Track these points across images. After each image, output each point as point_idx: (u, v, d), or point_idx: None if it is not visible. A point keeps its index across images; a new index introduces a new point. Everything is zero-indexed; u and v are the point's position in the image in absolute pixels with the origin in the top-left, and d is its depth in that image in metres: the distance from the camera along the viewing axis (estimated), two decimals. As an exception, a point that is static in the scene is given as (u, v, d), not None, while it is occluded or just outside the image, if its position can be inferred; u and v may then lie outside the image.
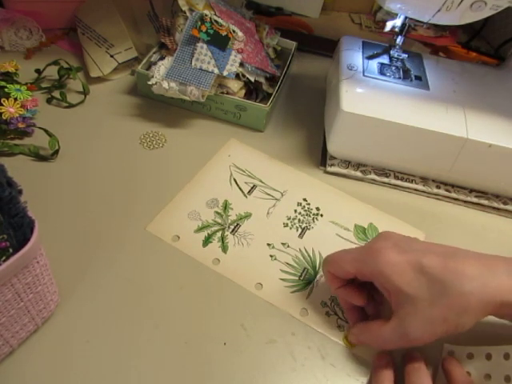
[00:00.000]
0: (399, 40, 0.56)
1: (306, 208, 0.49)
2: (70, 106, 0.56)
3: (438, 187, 0.53)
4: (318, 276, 0.43)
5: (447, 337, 0.33)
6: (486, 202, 0.52)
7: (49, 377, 0.33)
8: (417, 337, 0.32)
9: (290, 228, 0.47)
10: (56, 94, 0.56)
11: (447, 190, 0.53)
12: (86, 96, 0.57)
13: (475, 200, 0.53)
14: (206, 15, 0.54)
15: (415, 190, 0.53)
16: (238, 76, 0.56)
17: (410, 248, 0.34)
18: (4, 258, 0.28)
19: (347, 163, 0.54)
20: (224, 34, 0.55)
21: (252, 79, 0.57)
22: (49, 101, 0.56)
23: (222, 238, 0.44)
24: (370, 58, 0.57)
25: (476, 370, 0.34)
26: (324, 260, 0.38)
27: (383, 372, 0.34)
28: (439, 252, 0.33)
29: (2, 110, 0.49)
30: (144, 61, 0.58)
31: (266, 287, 0.41)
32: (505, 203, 0.52)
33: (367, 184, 0.54)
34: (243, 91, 0.58)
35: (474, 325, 0.32)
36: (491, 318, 0.34)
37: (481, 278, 0.31)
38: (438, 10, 0.48)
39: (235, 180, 0.50)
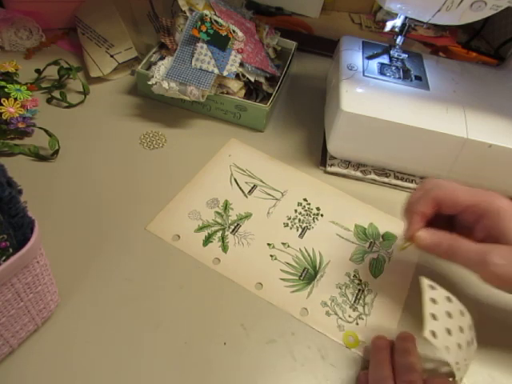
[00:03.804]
0: (399, 40, 0.56)
1: (307, 208, 0.49)
2: (70, 106, 0.56)
3: (438, 187, 0.53)
4: (318, 276, 0.43)
5: None
6: (486, 202, 0.52)
7: (49, 377, 0.33)
8: (495, 262, 0.33)
9: (291, 228, 0.47)
10: (56, 94, 0.56)
11: (447, 190, 0.53)
12: (85, 96, 0.57)
13: (475, 200, 0.52)
14: (206, 15, 0.54)
15: (415, 190, 0.53)
16: (237, 76, 0.56)
17: None
18: (4, 257, 0.28)
19: (347, 163, 0.54)
20: (224, 33, 0.55)
21: (252, 79, 0.57)
22: (49, 101, 0.56)
23: (223, 238, 0.44)
24: (370, 58, 0.57)
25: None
26: (428, 180, 0.39)
27: (382, 353, 0.35)
28: None
29: (2, 110, 0.49)
30: (144, 61, 0.58)
31: (266, 287, 0.41)
32: (505, 203, 0.52)
33: (367, 184, 0.54)
34: (243, 91, 0.58)
35: None
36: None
37: None
38: (438, 10, 0.48)
39: (235, 180, 0.50)
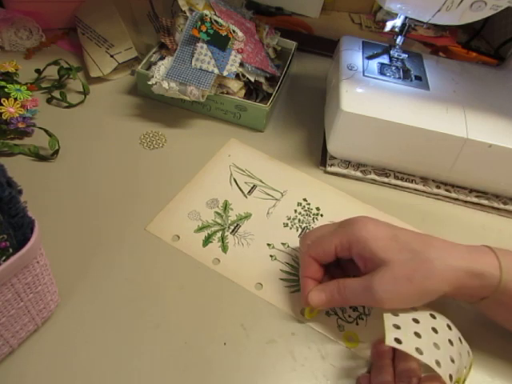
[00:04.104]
0: (399, 40, 0.56)
1: (306, 208, 0.49)
2: (70, 106, 0.56)
3: (437, 187, 0.53)
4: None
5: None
6: (485, 202, 0.52)
7: (49, 377, 0.33)
8: (381, 292, 0.34)
9: (290, 228, 0.47)
10: (56, 94, 0.56)
11: (447, 190, 0.53)
12: (85, 96, 0.57)
13: (475, 200, 0.53)
14: (206, 15, 0.54)
15: (415, 189, 0.53)
16: (237, 76, 0.56)
17: (387, 225, 0.37)
18: (4, 257, 0.28)
19: (347, 163, 0.54)
20: (224, 34, 0.55)
21: (252, 79, 0.57)
22: (49, 101, 0.56)
23: (222, 238, 0.44)
24: (370, 58, 0.57)
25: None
26: (303, 239, 0.40)
27: (383, 358, 0.35)
28: (411, 231, 0.37)
29: (2, 110, 0.49)
30: (144, 61, 0.58)
31: (266, 287, 0.41)
32: (505, 203, 0.52)
33: (367, 184, 0.54)
34: (243, 91, 0.58)
35: (438, 296, 0.34)
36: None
37: (445, 250, 0.35)
38: (438, 10, 0.48)
39: (235, 180, 0.50)
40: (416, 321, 0.34)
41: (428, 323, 0.34)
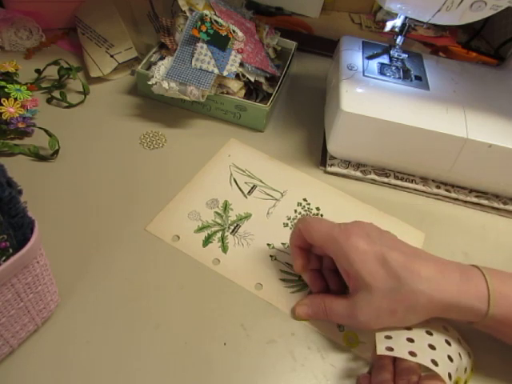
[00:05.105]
0: (399, 40, 0.56)
1: (306, 208, 0.49)
2: (70, 105, 0.56)
3: (437, 187, 0.53)
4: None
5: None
6: (485, 202, 0.52)
7: (49, 377, 0.33)
8: (364, 321, 0.35)
9: (290, 228, 0.47)
10: (56, 94, 0.56)
11: (447, 190, 0.53)
12: (85, 96, 0.57)
13: (475, 200, 0.53)
14: (206, 15, 0.54)
15: (415, 190, 0.53)
16: (237, 76, 0.56)
17: (380, 241, 0.36)
18: (4, 258, 0.28)
19: (347, 163, 0.54)
20: (224, 34, 0.55)
21: (252, 79, 0.57)
22: (49, 101, 0.56)
23: (222, 239, 0.44)
24: (370, 58, 0.57)
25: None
26: (301, 220, 0.39)
27: (384, 358, 0.36)
28: (403, 250, 0.35)
29: (2, 110, 0.49)
30: (144, 61, 0.58)
31: (266, 287, 0.41)
32: (505, 203, 0.52)
33: (367, 184, 0.54)
34: (243, 91, 0.58)
35: (419, 321, 0.35)
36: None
37: (433, 281, 0.33)
38: (438, 10, 0.48)
39: (235, 180, 0.50)
40: (409, 328, 0.35)
41: (421, 329, 0.35)
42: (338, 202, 0.50)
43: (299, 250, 0.40)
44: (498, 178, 0.51)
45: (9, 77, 0.54)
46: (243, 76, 0.57)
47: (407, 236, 0.39)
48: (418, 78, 0.55)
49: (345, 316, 0.36)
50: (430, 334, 0.34)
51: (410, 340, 0.33)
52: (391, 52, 0.57)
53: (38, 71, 0.59)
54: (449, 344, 0.34)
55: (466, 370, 0.35)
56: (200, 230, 0.45)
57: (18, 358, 0.34)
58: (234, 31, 0.55)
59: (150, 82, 0.53)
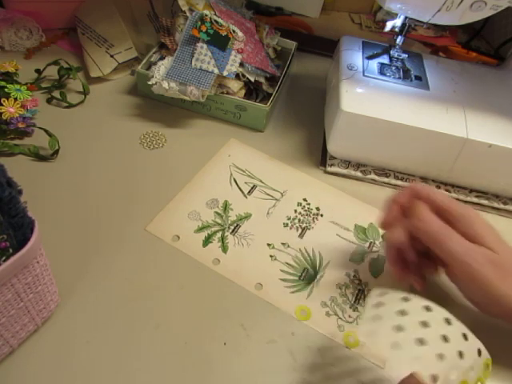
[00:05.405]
0: (399, 40, 0.56)
1: (306, 208, 0.49)
2: (70, 105, 0.56)
3: (437, 187, 0.53)
4: (318, 276, 0.43)
5: None
6: (485, 202, 0.52)
7: (49, 377, 0.33)
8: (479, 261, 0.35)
9: (290, 228, 0.47)
10: (56, 94, 0.56)
11: (447, 190, 0.53)
12: (85, 96, 0.57)
13: (475, 200, 0.53)
14: (206, 15, 0.54)
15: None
16: (237, 76, 0.56)
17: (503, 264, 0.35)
18: (4, 258, 0.28)
19: (347, 163, 0.54)
20: (224, 34, 0.55)
21: (252, 79, 0.57)
22: (49, 101, 0.56)
23: (222, 239, 0.44)
24: (370, 58, 0.57)
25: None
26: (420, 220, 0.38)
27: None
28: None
29: (2, 110, 0.49)
30: (144, 61, 0.58)
31: (266, 287, 0.41)
32: (505, 203, 0.52)
33: (367, 184, 0.54)
34: (243, 91, 0.58)
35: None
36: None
37: None
38: (438, 10, 0.48)
39: (235, 180, 0.50)
40: (402, 313, 0.32)
41: (417, 316, 0.32)
42: (338, 202, 0.50)
43: (396, 205, 0.39)
44: (498, 178, 0.51)
45: (9, 77, 0.54)
46: (243, 76, 0.57)
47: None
48: (417, 78, 0.55)
49: (460, 248, 0.35)
50: (425, 326, 0.31)
51: (399, 328, 0.30)
52: (391, 52, 0.57)
53: (38, 71, 0.59)
54: (446, 340, 0.31)
55: (472, 369, 0.31)
56: (200, 229, 0.45)
57: (17, 358, 0.34)
58: (233, 31, 0.55)
59: (150, 82, 0.53)
